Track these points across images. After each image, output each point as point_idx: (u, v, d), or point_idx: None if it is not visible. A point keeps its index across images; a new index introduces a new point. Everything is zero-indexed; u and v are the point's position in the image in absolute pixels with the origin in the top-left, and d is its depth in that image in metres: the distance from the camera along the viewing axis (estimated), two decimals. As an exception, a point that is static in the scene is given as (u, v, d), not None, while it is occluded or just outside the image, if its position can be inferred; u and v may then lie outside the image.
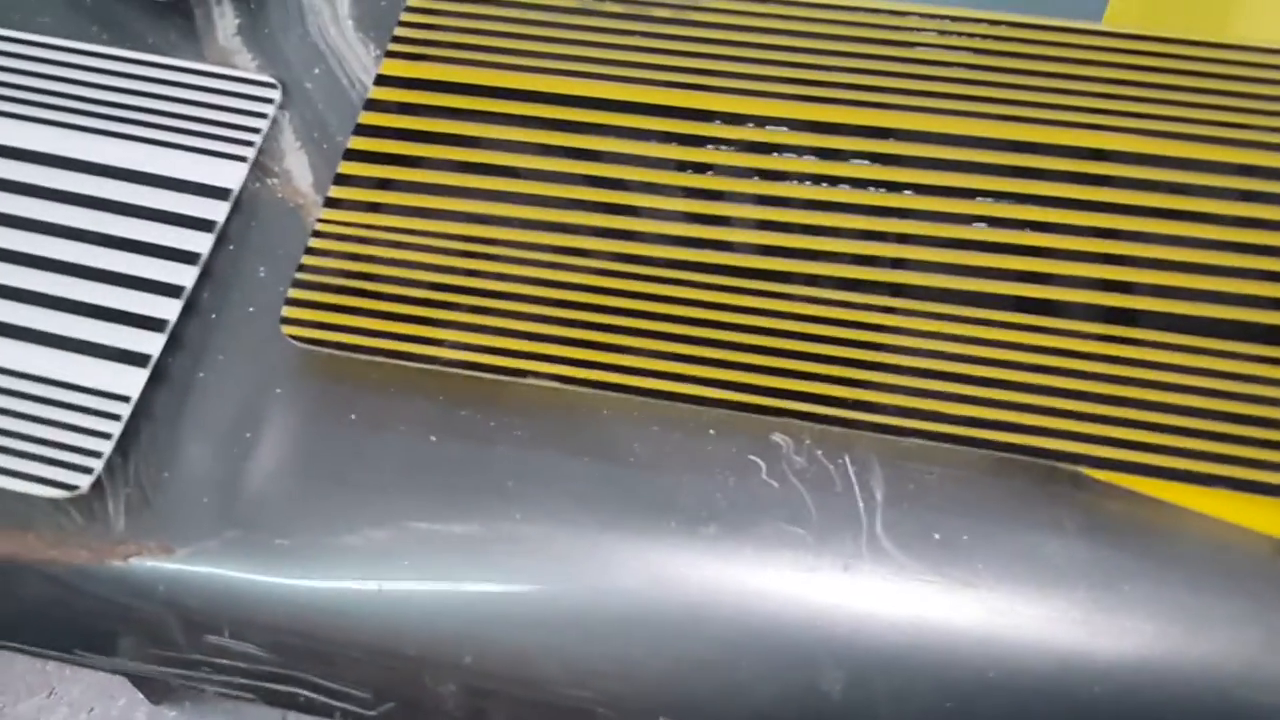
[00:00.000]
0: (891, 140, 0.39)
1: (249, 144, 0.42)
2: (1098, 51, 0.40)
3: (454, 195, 0.39)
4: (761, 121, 0.40)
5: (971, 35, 0.41)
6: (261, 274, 0.40)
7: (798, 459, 0.35)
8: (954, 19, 0.41)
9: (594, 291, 0.37)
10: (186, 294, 0.39)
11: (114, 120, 0.43)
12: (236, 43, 0.44)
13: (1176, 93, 0.39)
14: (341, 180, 0.40)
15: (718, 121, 0.40)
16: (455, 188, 0.40)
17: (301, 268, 0.38)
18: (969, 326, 0.36)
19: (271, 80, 0.43)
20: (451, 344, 0.37)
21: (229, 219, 0.41)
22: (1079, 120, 0.39)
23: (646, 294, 0.37)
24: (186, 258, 0.40)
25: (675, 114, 0.40)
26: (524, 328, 0.37)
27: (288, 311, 0.38)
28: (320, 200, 0.40)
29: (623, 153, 0.40)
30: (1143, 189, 0.37)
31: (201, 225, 0.40)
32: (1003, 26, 0.41)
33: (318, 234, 0.39)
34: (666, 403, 0.36)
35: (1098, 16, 0.42)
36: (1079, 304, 0.36)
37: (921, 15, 0.41)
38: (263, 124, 0.42)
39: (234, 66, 0.44)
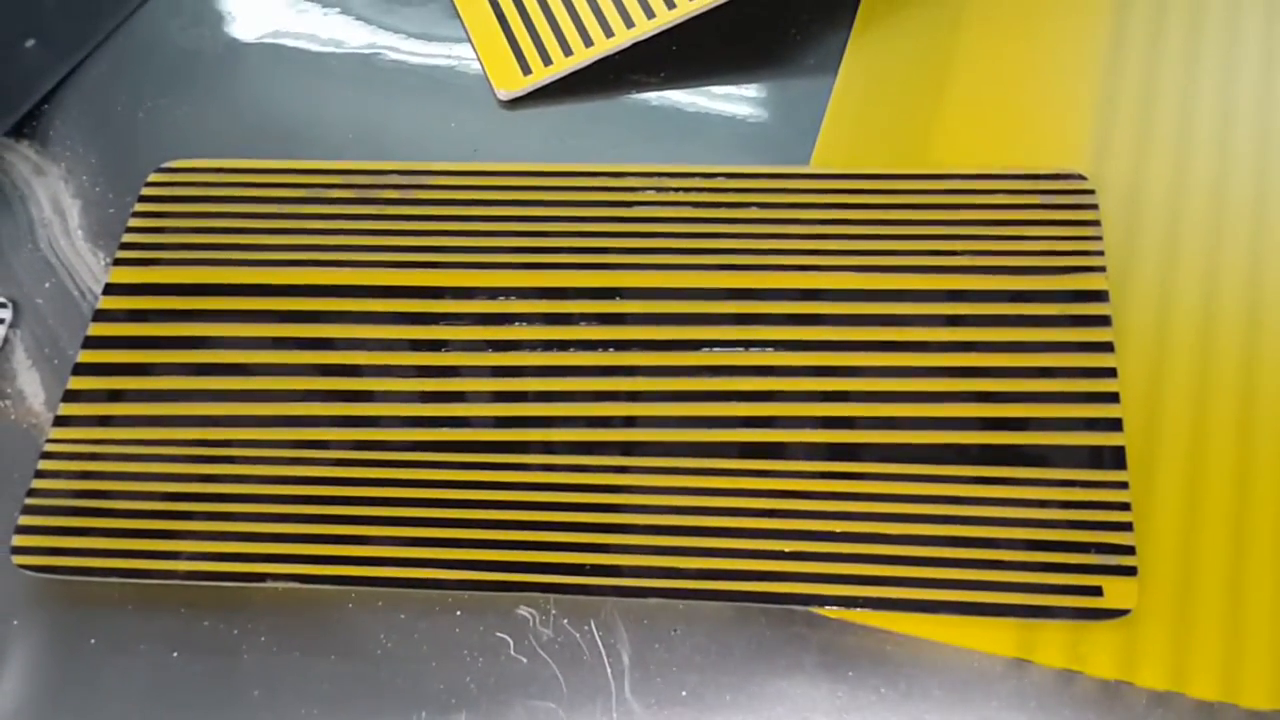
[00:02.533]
0: (617, 300, 0.40)
1: (-22, 367, 0.41)
2: (806, 194, 0.41)
3: (186, 399, 0.39)
4: (491, 293, 0.40)
5: (688, 189, 0.42)
6: (-4, 502, 0.39)
7: (544, 631, 0.35)
8: (670, 175, 0.42)
9: (332, 484, 0.37)
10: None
11: None
12: (-35, 263, 0.44)
13: (883, 226, 0.40)
14: (71, 396, 0.39)
15: (448, 297, 0.40)
16: (187, 391, 0.39)
17: (31, 492, 0.38)
18: (698, 478, 0.37)
19: (1, 300, 0.43)
20: (187, 555, 0.36)
21: (-40, 448, 0.40)
22: (792, 263, 0.40)
23: (385, 480, 0.37)
24: (-85, 493, 0.39)
25: (406, 294, 0.41)
26: (262, 529, 0.37)
27: (18, 540, 0.37)
28: (52, 419, 0.40)
29: (355, 338, 0.40)
30: (856, 324, 0.39)
31: (-69, 457, 0.39)
32: (718, 179, 0.42)
33: (47, 455, 0.38)
34: (412, 589, 0.35)
35: (805, 160, 0.43)
36: (802, 444, 0.37)
37: (639, 174, 0.42)
38: (-8, 345, 0.42)
39: (-37, 288, 0.43)
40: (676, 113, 0.46)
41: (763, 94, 0.46)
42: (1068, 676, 0.33)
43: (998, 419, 0.37)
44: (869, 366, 0.38)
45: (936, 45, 0.45)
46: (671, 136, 0.45)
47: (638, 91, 0.46)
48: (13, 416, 0.40)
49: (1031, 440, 0.36)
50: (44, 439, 0.39)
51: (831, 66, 0.46)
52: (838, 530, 0.35)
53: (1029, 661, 0.34)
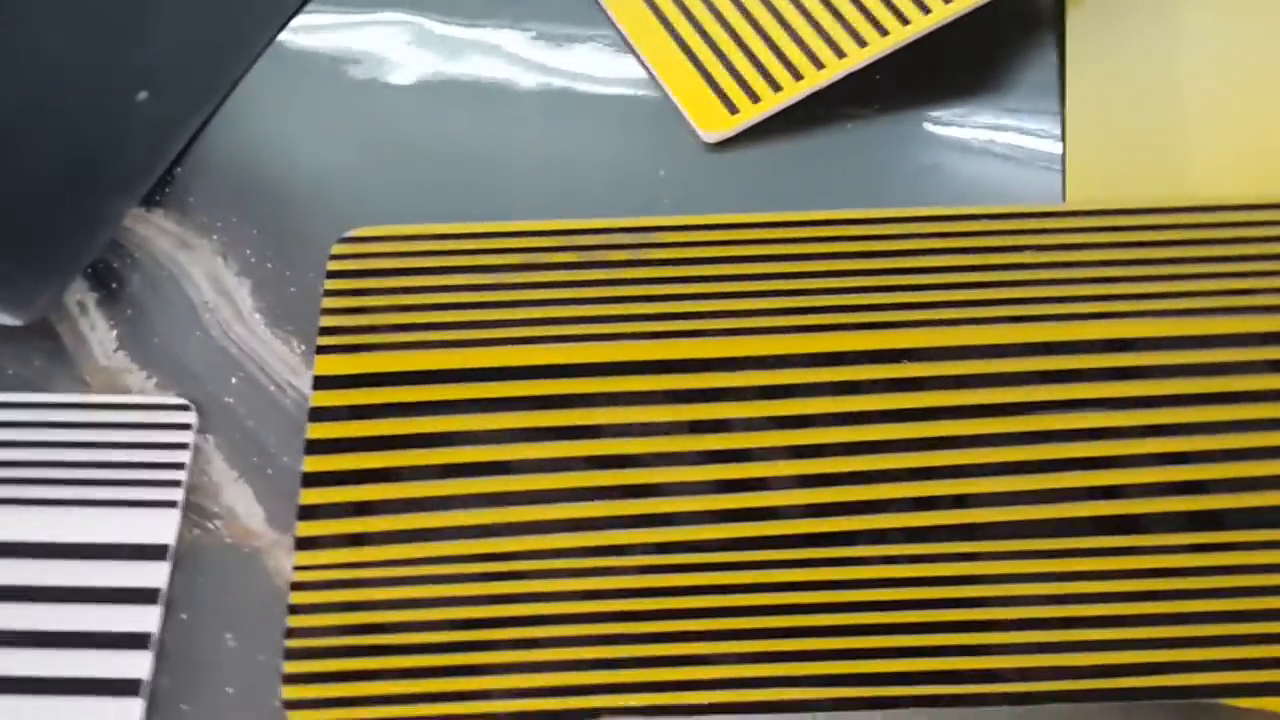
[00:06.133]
0: (909, 361, 0.36)
1: (174, 484, 0.35)
2: (1083, 233, 0.38)
3: (449, 507, 0.34)
4: (764, 362, 0.36)
5: (949, 234, 0.38)
6: (231, 643, 0.33)
7: (923, 748, 0.31)
8: (924, 219, 0.39)
9: (642, 595, 0.33)
10: (146, 688, 0.32)
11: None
12: (121, 359, 0.38)
13: (1182, 265, 0.38)
14: (308, 513, 0.34)
15: (717, 370, 0.36)
16: (448, 498, 0.34)
17: (291, 632, 0.32)
18: (1054, 561, 0.33)
19: (181, 401, 0.37)
20: (500, 694, 0.31)
21: (172, 581, 0.34)
22: (1089, 310, 0.37)
23: (700, 586, 0.33)
24: (133, 642, 0.33)
25: (668, 368, 0.36)
26: (579, 654, 0.32)
27: (289, 692, 0.31)
28: (282, 539, 0.34)
29: (623, 423, 0.35)
30: (1178, 375, 0.35)
31: (141, 597, 0.33)
32: (979, 220, 0.39)
33: (298, 585, 0.33)
34: (770, 716, 0.31)
35: (1049, 195, 0.40)
36: (1159, 514, 0.33)
37: (889, 220, 0.39)
38: (184, 456, 0.36)
39: (126, 390, 0.37)
40: (896, 147, 0.42)
41: (984, 123, 0.43)
42: None
43: (1365, 473, 0.34)
44: (1209, 422, 0.35)
45: (1159, 57, 0.43)
46: (893, 174, 0.41)
47: (851, 125, 0.42)
48: (228, 539, 0.35)
49: None
50: (275, 563, 0.34)
51: (1050, 87, 0.43)
52: (1221, 610, 0.32)
53: None
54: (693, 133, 0.42)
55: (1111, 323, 0.37)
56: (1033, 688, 0.31)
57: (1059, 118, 0.42)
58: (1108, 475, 0.34)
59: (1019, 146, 0.42)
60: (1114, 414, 0.35)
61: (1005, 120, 0.43)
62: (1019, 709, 0.32)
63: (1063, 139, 0.42)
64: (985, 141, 0.42)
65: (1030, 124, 0.42)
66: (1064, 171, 0.41)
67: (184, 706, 0.32)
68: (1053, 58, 0.44)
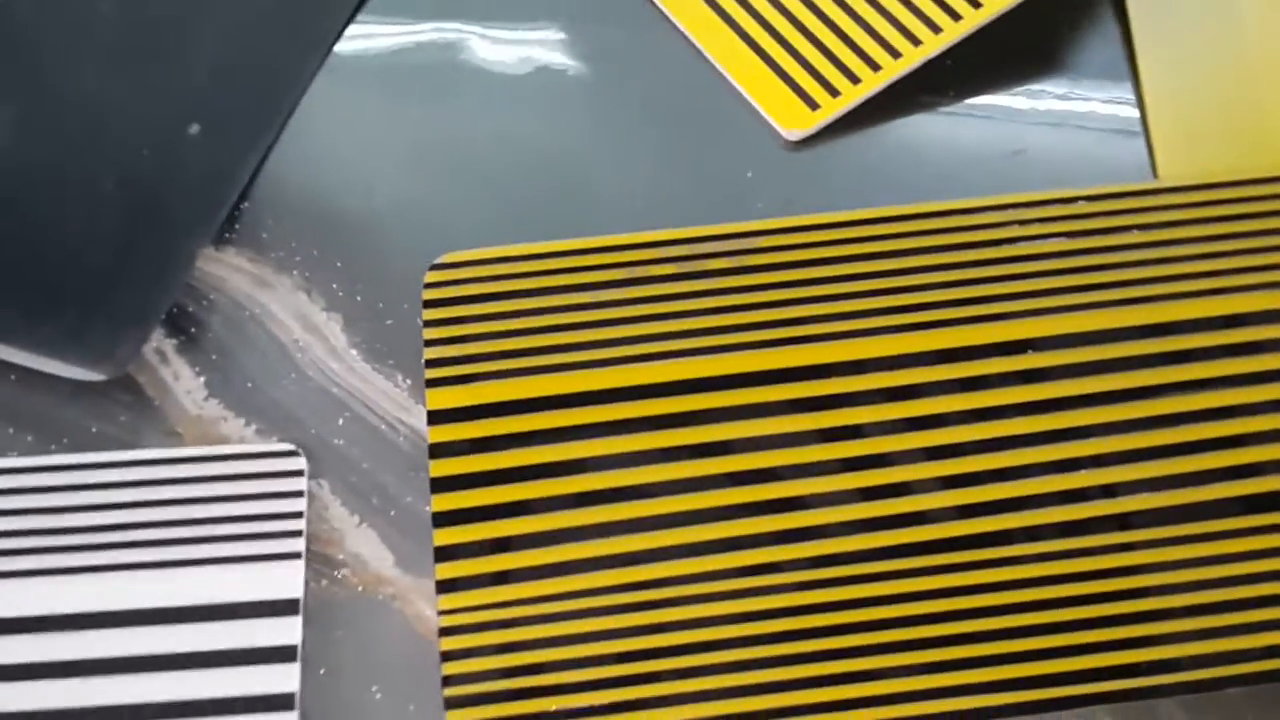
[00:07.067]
0: (1032, 352, 0.35)
1: (293, 534, 0.34)
2: (1183, 209, 0.38)
3: (586, 537, 0.33)
4: (889, 363, 0.35)
5: (1051, 219, 0.38)
6: (378, 696, 0.32)
7: (1106, 745, 0.31)
8: (1024, 205, 0.38)
9: (801, 613, 0.32)
10: (296, 751, 0.31)
11: (106, 550, 0.34)
12: (214, 407, 0.36)
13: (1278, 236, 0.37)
14: (445, 554, 0.33)
15: (839, 375, 0.35)
16: (583, 528, 0.33)
17: (448, 680, 0.31)
18: (1210, 544, 0.33)
19: (288, 447, 0.35)
20: (676, 727, 0.30)
21: (306, 636, 0.33)
22: (1199, 288, 0.37)
23: (860, 599, 0.32)
24: (276, 704, 0.31)
25: (790, 376, 0.35)
26: (743, 680, 0.31)
27: (455, 743, 0.30)
28: (417, 583, 0.33)
29: (753, 436, 0.34)
30: (1299, 347, 0.35)
31: (277, 656, 0.32)
32: (1079, 203, 0.38)
33: (447, 630, 0.32)
34: (952, 726, 0.31)
35: (1138, 172, 0.40)
36: (1307, 489, 0.33)
37: (993, 208, 0.38)
38: (300, 504, 0.34)
39: (223, 439, 0.36)
40: (979, 132, 0.42)
41: (1059, 99, 0.42)
42: None
43: None
44: (1336, 393, 0.35)
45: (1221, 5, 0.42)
46: (979, 158, 0.41)
47: (929, 113, 0.42)
48: (360, 588, 0.33)
49: None
50: (413, 610, 0.33)
51: (1118, 55, 0.43)
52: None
53: None
54: (773, 131, 0.41)
55: (1221, 299, 0.36)
56: (1210, 674, 0.31)
57: (1132, 84, 0.42)
58: (1244, 453, 0.34)
59: (1097, 117, 0.42)
60: (1236, 391, 0.35)
61: (1079, 92, 0.42)
62: (1189, 698, 0.31)
63: (1139, 105, 0.41)
64: (1063, 116, 0.42)
65: (1104, 93, 0.42)
66: (1147, 136, 0.41)
67: (338, 767, 0.31)
68: (1114, 28, 0.43)
